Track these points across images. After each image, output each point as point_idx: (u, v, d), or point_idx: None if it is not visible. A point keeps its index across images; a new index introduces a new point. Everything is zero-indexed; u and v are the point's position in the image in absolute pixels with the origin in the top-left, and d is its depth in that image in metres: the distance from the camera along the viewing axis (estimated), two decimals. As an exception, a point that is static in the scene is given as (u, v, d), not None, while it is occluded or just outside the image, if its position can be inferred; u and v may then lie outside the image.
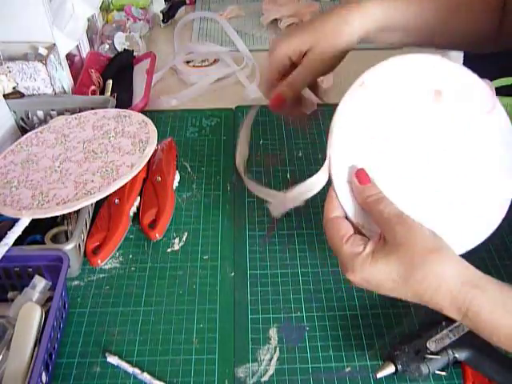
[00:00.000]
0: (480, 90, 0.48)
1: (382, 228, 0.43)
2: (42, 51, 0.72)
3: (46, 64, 0.70)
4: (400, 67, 0.47)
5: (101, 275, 0.58)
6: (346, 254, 0.43)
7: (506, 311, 0.39)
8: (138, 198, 0.64)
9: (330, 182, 0.46)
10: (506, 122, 0.48)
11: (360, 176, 0.45)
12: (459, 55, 1.25)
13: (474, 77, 0.48)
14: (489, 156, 0.48)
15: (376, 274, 0.42)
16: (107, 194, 0.56)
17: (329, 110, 0.81)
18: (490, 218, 0.48)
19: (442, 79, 0.47)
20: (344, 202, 0.45)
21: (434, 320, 0.50)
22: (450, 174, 0.47)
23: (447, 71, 0.47)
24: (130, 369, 0.49)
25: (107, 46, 0.91)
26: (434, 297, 0.40)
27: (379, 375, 0.47)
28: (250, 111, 0.69)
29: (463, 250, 0.46)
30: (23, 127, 0.72)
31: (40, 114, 0.72)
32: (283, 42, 0.55)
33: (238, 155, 0.70)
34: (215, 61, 0.92)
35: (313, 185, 0.46)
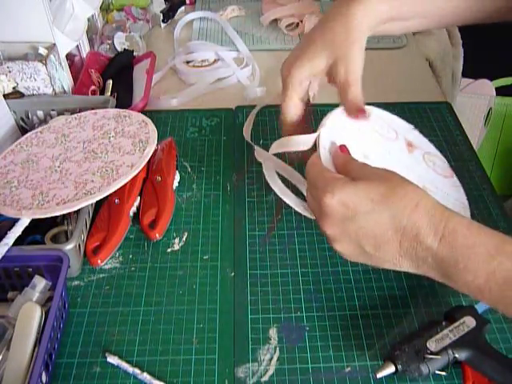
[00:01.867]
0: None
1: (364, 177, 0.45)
2: (42, 51, 0.72)
3: (46, 64, 0.71)
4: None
5: (101, 275, 0.58)
6: (328, 177, 0.45)
7: (481, 228, 0.41)
8: (138, 198, 0.64)
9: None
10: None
11: (343, 149, 0.49)
12: (460, 56, 1.26)
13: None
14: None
15: (355, 193, 0.42)
16: (107, 193, 0.56)
17: (328, 109, 0.81)
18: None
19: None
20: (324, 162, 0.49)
21: (434, 320, 0.50)
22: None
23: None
24: (130, 369, 0.49)
25: (107, 46, 0.91)
26: (412, 215, 0.41)
27: (379, 375, 0.47)
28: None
29: None
30: (23, 127, 0.72)
31: (40, 113, 0.72)
32: (300, 66, 0.54)
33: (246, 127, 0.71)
34: (215, 61, 0.92)
35: (298, 142, 0.51)
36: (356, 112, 0.53)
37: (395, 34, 0.60)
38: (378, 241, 0.43)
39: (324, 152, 0.49)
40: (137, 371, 0.49)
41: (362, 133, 0.54)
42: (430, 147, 0.61)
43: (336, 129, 0.52)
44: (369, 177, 0.44)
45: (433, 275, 0.43)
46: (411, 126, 0.60)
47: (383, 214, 0.42)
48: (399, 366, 0.46)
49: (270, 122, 0.78)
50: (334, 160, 0.48)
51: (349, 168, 0.46)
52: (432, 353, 0.46)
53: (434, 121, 0.78)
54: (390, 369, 0.47)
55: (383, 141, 0.55)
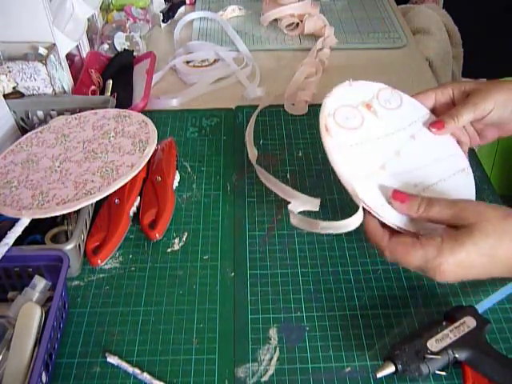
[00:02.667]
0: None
1: (449, 221, 0.46)
2: (42, 51, 0.72)
3: (46, 64, 0.71)
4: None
5: (101, 275, 0.58)
6: (429, 252, 0.45)
7: None
8: (138, 198, 0.64)
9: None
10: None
11: (397, 196, 0.50)
12: (460, 56, 1.26)
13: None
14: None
15: (467, 253, 0.44)
16: (107, 193, 0.56)
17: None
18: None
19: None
20: (390, 220, 0.50)
21: (434, 320, 0.50)
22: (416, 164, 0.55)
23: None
24: (130, 369, 0.49)
25: (107, 46, 0.91)
26: None
27: (379, 375, 0.47)
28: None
29: None
30: (23, 127, 0.72)
31: (40, 114, 0.72)
32: (451, 82, 0.60)
33: (250, 156, 0.72)
34: (215, 61, 0.92)
35: (347, 225, 0.51)
36: (439, 127, 0.57)
37: None
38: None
39: (377, 210, 0.50)
40: (137, 371, 0.49)
41: (369, 140, 0.55)
42: (421, 110, 0.61)
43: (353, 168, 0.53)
44: (461, 228, 0.45)
45: None
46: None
47: (498, 263, 0.45)
48: (399, 366, 0.46)
49: (269, 122, 0.78)
50: (405, 212, 0.50)
51: (426, 217, 0.48)
52: (432, 353, 0.46)
53: (434, 121, 0.78)
54: (390, 369, 0.47)
55: (389, 139, 0.56)
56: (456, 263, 0.44)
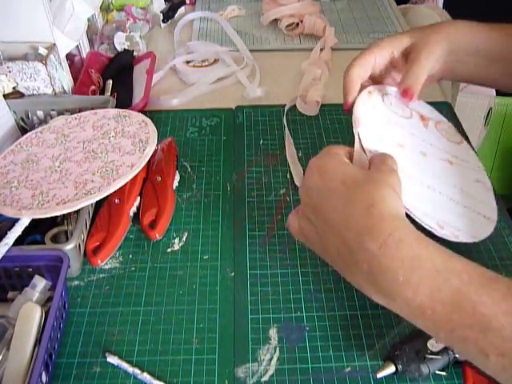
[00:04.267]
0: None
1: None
2: (42, 51, 0.72)
3: (46, 64, 0.70)
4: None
5: (101, 275, 0.58)
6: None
7: (431, 243, 0.39)
8: (138, 198, 0.64)
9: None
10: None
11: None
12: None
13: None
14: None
15: (337, 166, 0.44)
16: (107, 193, 0.56)
17: (329, 109, 0.82)
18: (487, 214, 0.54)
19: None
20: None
21: None
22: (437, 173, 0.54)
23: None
24: (130, 369, 0.49)
25: (107, 46, 0.91)
26: (362, 213, 0.40)
27: (379, 375, 0.47)
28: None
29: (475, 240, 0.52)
30: (23, 127, 0.72)
31: (40, 114, 0.72)
32: (388, 40, 0.57)
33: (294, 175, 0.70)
34: (215, 61, 0.92)
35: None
36: (405, 93, 0.55)
37: (461, 76, 0.61)
38: (325, 224, 0.43)
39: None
40: (137, 371, 0.49)
41: (387, 120, 0.55)
42: (435, 113, 0.62)
43: (367, 122, 0.52)
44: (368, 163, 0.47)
45: (367, 290, 0.41)
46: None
47: (340, 199, 0.42)
48: (399, 366, 0.46)
49: (269, 122, 0.78)
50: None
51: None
52: (432, 353, 0.46)
53: (434, 121, 0.78)
54: (390, 369, 0.47)
55: (405, 123, 0.56)
56: (322, 166, 0.45)
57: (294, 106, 0.81)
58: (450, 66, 0.58)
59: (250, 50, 0.94)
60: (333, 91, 0.84)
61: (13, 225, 0.54)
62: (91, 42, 0.90)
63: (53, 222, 0.60)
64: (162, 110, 0.81)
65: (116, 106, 0.72)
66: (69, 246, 0.54)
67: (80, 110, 0.71)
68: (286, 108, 0.80)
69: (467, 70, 0.58)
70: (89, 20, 0.85)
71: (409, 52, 0.56)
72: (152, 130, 0.64)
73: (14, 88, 0.72)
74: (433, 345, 0.47)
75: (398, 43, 0.56)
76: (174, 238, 0.62)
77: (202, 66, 0.91)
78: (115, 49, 0.91)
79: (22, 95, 0.73)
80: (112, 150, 0.62)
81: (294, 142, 0.75)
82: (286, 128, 0.76)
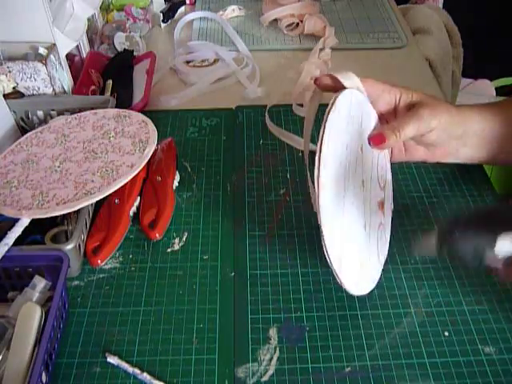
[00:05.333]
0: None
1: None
2: (42, 51, 0.72)
3: (46, 64, 0.71)
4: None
5: (101, 275, 0.58)
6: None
7: None
8: (138, 198, 0.64)
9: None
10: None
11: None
12: (460, 56, 1.25)
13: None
14: None
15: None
16: (107, 194, 0.56)
17: (329, 110, 0.81)
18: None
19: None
20: None
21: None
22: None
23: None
24: (130, 369, 0.49)
25: (107, 46, 0.91)
26: None
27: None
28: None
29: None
30: (23, 127, 0.72)
31: (40, 114, 0.72)
32: (403, 86, 0.55)
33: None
34: (215, 61, 0.92)
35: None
36: (378, 142, 0.51)
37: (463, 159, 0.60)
38: None
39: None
40: (137, 371, 0.49)
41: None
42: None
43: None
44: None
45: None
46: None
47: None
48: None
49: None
50: None
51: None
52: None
53: (434, 121, 0.78)
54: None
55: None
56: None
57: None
58: (454, 147, 0.57)
59: (250, 50, 0.94)
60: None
61: (13, 225, 0.54)
62: (91, 41, 0.90)
63: (53, 222, 0.60)
64: (161, 110, 0.81)
65: (116, 106, 0.72)
66: (69, 246, 0.54)
67: (80, 110, 0.71)
68: (269, 105, 0.80)
69: (471, 151, 0.58)
70: (89, 20, 0.85)
71: (413, 105, 0.54)
72: (152, 129, 0.64)
73: (14, 88, 0.72)
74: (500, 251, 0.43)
75: (409, 93, 0.54)
76: (174, 238, 0.62)
77: (202, 66, 0.91)
78: (115, 49, 0.91)
79: (22, 95, 0.73)
80: (112, 150, 0.62)
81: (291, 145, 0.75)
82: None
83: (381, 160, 0.56)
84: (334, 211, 0.48)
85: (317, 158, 0.45)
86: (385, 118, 0.56)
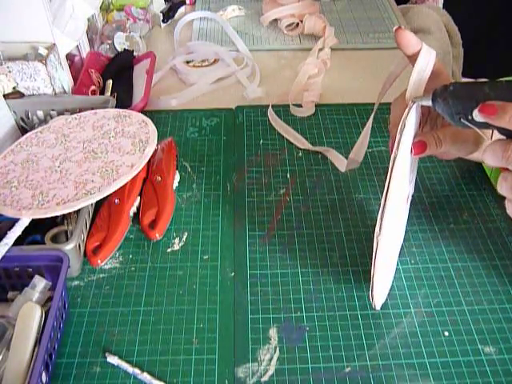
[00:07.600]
0: None
1: None
2: (42, 51, 0.72)
3: (46, 64, 0.71)
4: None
5: (101, 275, 0.58)
6: None
7: None
8: (138, 198, 0.64)
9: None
10: None
11: (486, 109, 0.42)
12: (460, 56, 1.25)
13: None
14: None
15: None
16: (107, 193, 0.56)
17: (329, 109, 0.82)
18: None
19: None
20: None
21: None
22: None
23: None
24: (130, 369, 0.49)
25: (107, 46, 0.91)
26: None
27: (417, 100, 0.45)
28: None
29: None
30: (23, 127, 0.72)
31: (40, 114, 0.72)
32: None
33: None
34: (215, 61, 0.92)
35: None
36: (419, 151, 0.49)
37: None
38: None
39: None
40: (137, 371, 0.49)
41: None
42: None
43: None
44: None
45: None
46: None
47: None
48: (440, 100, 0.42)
49: (269, 122, 0.78)
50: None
51: None
52: (470, 121, 0.41)
53: (434, 121, 0.78)
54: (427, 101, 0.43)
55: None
56: None
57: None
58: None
59: (250, 50, 0.94)
60: (331, 91, 0.84)
61: (13, 225, 0.54)
62: (91, 41, 0.90)
63: (53, 222, 0.60)
64: (161, 110, 0.81)
65: (116, 106, 0.72)
66: (69, 246, 0.54)
67: (80, 110, 0.71)
68: (271, 104, 0.80)
69: None
70: (89, 20, 0.85)
71: None
72: (152, 129, 0.64)
73: (14, 88, 0.72)
74: (477, 115, 0.41)
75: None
76: (174, 238, 0.62)
77: (202, 66, 0.91)
78: (115, 49, 0.91)
79: (22, 95, 0.73)
80: (112, 150, 0.62)
81: (293, 143, 0.75)
82: None
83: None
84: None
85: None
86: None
